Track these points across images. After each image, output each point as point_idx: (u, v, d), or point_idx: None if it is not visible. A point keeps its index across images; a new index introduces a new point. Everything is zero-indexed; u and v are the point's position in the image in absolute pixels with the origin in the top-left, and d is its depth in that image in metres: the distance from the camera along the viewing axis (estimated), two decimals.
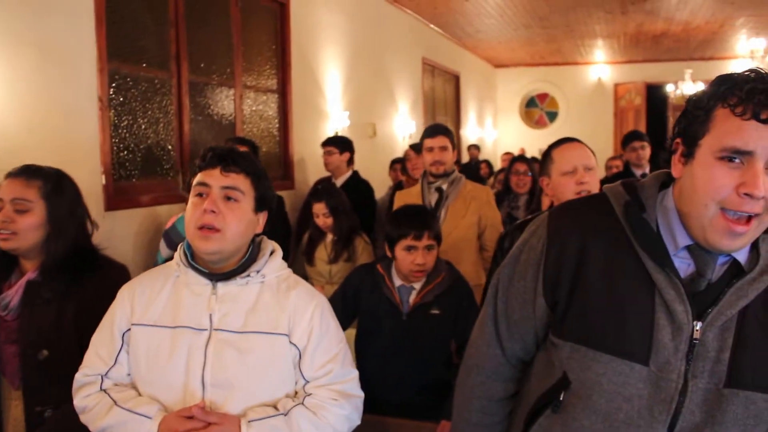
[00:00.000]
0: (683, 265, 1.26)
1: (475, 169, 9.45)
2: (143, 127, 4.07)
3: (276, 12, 5.69)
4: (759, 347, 1.21)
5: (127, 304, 1.71)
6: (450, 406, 1.70)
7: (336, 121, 6.57)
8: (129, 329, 1.69)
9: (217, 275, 1.68)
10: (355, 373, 1.78)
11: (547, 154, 2.45)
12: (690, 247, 1.24)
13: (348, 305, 2.73)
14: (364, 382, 1.82)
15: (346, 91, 6.90)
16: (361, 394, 1.78)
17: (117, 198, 3.72)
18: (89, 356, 1.73)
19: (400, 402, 2.55)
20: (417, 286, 2.64)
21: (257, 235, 1.77)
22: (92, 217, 2.21)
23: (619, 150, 12.91)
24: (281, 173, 5.75)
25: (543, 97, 14.70)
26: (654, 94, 14.14)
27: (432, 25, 9.91)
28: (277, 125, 5.70)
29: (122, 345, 1.70)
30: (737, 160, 1.14)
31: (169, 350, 1.64)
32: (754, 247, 1.24)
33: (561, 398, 1.33)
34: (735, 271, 1.24)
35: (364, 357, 2.68)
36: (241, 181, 1.67)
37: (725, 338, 1.21)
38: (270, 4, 5.57)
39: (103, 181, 3.60)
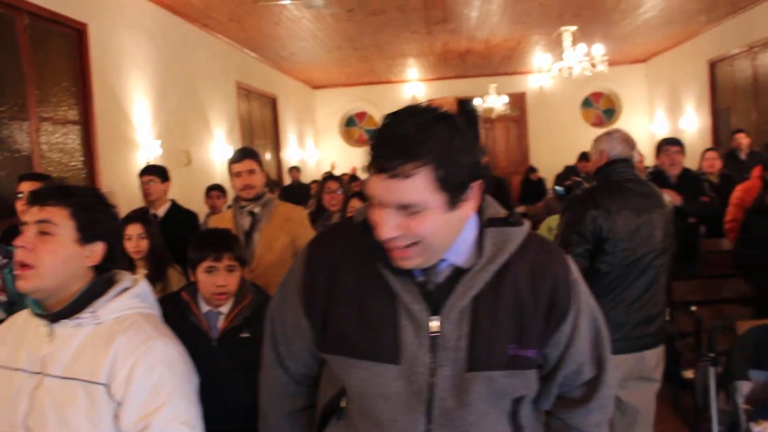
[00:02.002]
0: (419, 273, 1.37)
1: (297, 190, 9.47)
2: None
3: (72, 37, 5.41)
4: (490, 330, 1.34)
5: None
6: None
7: (147, 150, 6.34)
8: None
9: (52, 315, 1.58)
10: (183, 430, 1.59)
11: None
12: None
13: None
14: None
15: (157, 118, 6.68)
16: None
17: None
18: None
19: (230, 430, 2.49)
20: (225, 310, 2.57)
21: (105, 269, 1.67)
22: None
23: None
24: None
25: (361, 115, 15.08)
26: (464, 108, 14.93)
27: (245, 49, 9.86)
28: (81, 158, 5.40)
29: None
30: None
31: (4, 393, 1.54)
32: (480, 242, 1.37)
33: (342, 406, 1.44)
34: (459, 269, 1.37)
35: None
36: (55, 213, 1.59)
37: (461, 327, 1.34)
38: (65, 29, 5.28)
39: None
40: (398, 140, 1.22)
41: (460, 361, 1.33)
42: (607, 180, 3.05)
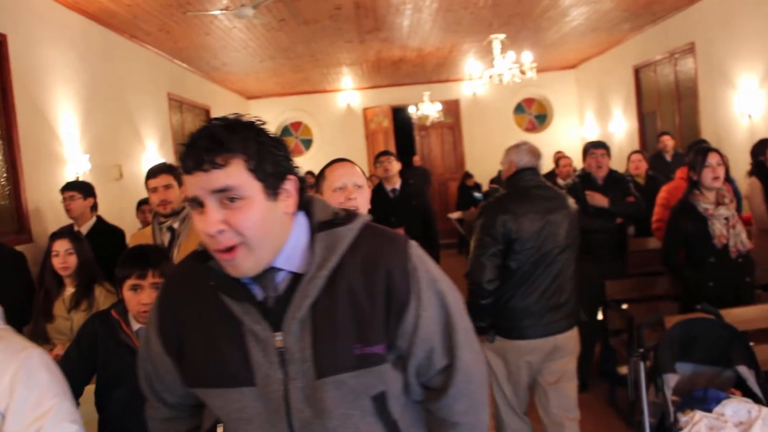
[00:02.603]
0: (258, 290, 1.40)
1: None
2: None
3: None
4: (332, 334, 1.36)
5: None
6: None
7: (76, 165, 6.16)
8: None
9: None
10: (73, 428, 1.68)
11: (321, 173, 2.57)
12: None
13: (85, 358, 2.55)
14: None
15: (86, 132, 6.51)
16: None
17: None
18: None
19: None
20: None
21: None
22: None
23: (372, 170, 13.53)
24: (15, 227, 5.26)
25: (297, 125, 15.01)
26: (400, 116, 15.05)
27: (176, 60, 9.70)
28: (4, 174, 5.22)
29: None
30: (199, 207, 1.32)
31: None
32: (312, 248, 1.41)
33: None
34: (298, 278, 1.40)
35: (108, 410, 2.51)
36: None
37: (304, 338, 1.36)
38: None
39: None
40: (208, 138, 1.30)
41: (308, 371, 1.35)
42: (516, 187, 3.45)
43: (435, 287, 1.44)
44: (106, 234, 4.78)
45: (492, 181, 9.52)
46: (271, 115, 14.72)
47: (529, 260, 3.31)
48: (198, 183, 1.30)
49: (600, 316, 5.08)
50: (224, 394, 1.39)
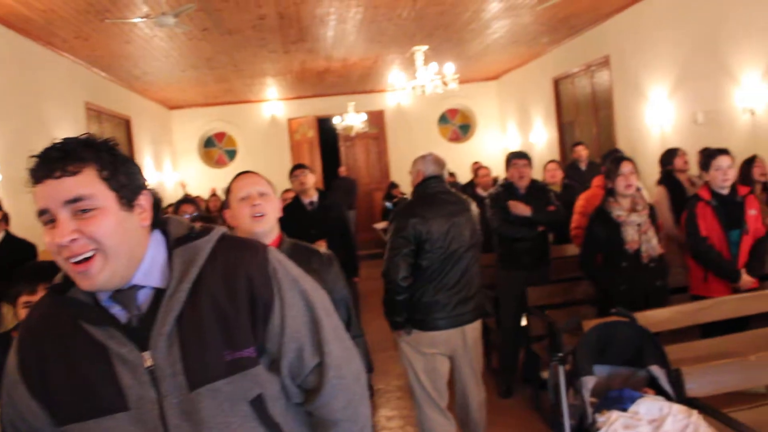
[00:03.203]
0: (121, 312, 1.39)
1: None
2: None
3: None
4: (200, 345, 1.38)
5: None
6: None
7: None
8: None
9: None
10: None
11: (228, 188, 2.59)
12: (111, 295, 1.39)
13: None
14: None
15: None
16: None
17: None
18: None
19: None
20: None
21: None
22: None
23: None
24: None
25: (220, 136, 14.80)
26: (324, 126, 15.04)
27: (94, 69, 9.44)
28: None
29: None
30: (49, 223, 1.30)
31: None
32: (171, 264, 1.42)
33: None
34: (160, 294, 1.40)
35: None
36: None
37: (173, 352, 1.36)
38: None
39: None
40: (60, 149, 1.30)
41: (181, 384, 1.35)
42: (424, 193, 3.81)
43: (297, 287, 1.49)
44: (16, 248, 4.62)
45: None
46: (195, 126, 14.49)
47: (438, 258, 3.68)
48: (48, 193, 1.27)
49: (524, 323, 5.20)
50: (99, 424, 1.35)
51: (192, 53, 9.11)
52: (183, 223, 1.49)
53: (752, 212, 4.27)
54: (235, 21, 7.59)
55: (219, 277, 1.40)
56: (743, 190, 4.35)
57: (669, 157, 5.82)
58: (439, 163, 3.88)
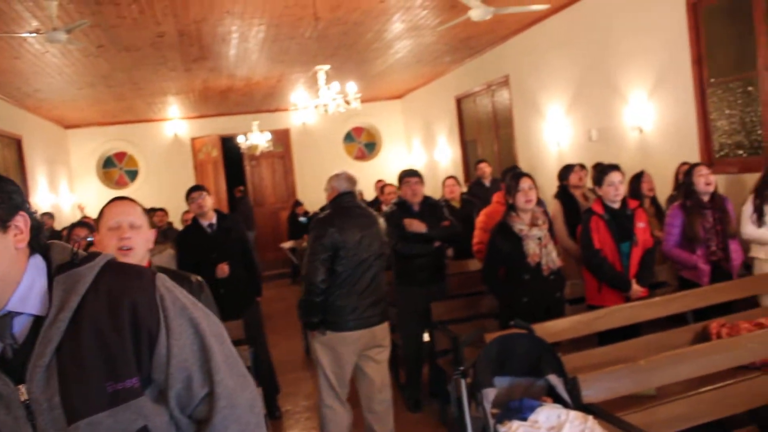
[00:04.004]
0: None
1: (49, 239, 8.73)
2: None
3: None
4: (80, 376, 1.33)
5: None
6: None
7: None
8: None
9: None
10: None
11: (100, 212, 2.47)
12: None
13: None
14: None
15: None
16: None
17: None
18: None
19: None
20: None
21: None
22: None
23: None
24: None
25: (121, 156, 14.33)
26: (229, 146, 14.83)
27: None
28: None
29: None
30: None
31: None
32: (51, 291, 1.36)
33: None
34: (38, 324, 1.35)
35: None
36: None
37: (51, 385, 1.30)
38: None
39: None
40: None
41: (59, 419, 1.30)
42: (339, 207, 4.19)
43: (186, 315, 1.44)
44: None
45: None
46: (93, 145, 14.00)
47: (351, 265, 4.07)
48: None
49: (426, 338, 5.26)
50: None
51: (88, 70, 8.81)
52: (66, 249, 1.43)
53: (641, 225, 4.48)
54: (133, 38, 7.40)
55: (102, 305, 1.35)
56: (633, 203, 4.56)
57: (566, 172, 6.04)
58: (351, 180, 4.28)
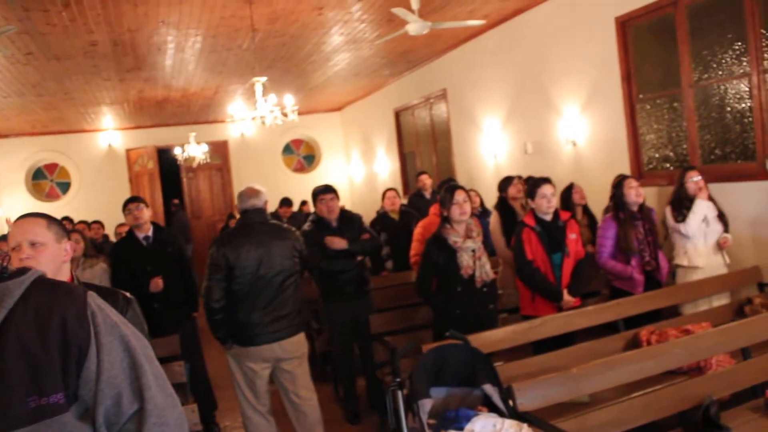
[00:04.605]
0: None
1: None
2: None
3: None
4: (2, 390, 1.31)
5: None
6: None
7: None
8: None
9: None
10: None
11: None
12: None
13: None
14: None
15: None
16: None
17: None
18: None
19: None
20: None
21: None
22: None
23: None
24: None
25: (52, 167, 13.81)
26: (165, 157, 14.56)
27: None
28: None
29: None
30: None
31: None
32: None
33: None
34: None
35: None
36: None
37: None
38: None
39: None
40: None
41: None
42: (243, 223, 4.31)
43: (117, 333, 1.44)
44: None
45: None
46: (22, 156, 13.52)
47: (248, 282, 4.15)
48: None
49: (356, 351, 5.32)
50: None
51: (15, 78, 8.54)
52: None
53: (572, 236, 4.59)
54: (64, 46, 7.21)
55: (30, 320, 1.34)
56: (565, 215, 4.67)
57: (505, 184, 6.14)
58: (255, 194, 4.35)
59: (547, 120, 7.68)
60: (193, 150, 12.74)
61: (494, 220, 5.88)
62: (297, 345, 4.37)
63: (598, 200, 6.21)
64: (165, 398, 1.48)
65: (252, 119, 7.56)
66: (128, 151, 14.15)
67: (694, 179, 5.00)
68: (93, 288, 2.36)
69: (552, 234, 4.53)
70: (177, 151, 13.44)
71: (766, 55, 5.14)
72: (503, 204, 6.01)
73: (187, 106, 12.14)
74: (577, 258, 4.60)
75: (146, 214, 5.18)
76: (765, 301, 4.89)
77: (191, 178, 14.86)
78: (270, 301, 4.20)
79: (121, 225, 7.18)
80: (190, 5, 6.30)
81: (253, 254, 4.16)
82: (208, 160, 13.76)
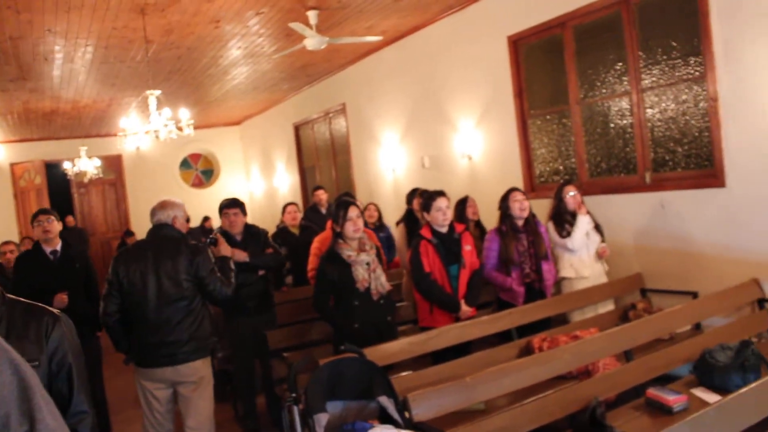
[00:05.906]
0: None
1: None
2: None
3: None
4: None
5: None
6: None
7: None
8: None
9: None
10: None
11: None
12: None
13: None
14: None
15: None
16: None
17: None
18: None
19: None
20: None
21: None
22: None
23: (24, 231, 12.30)
24: None
25: None
26: (54, 172, 13.92)
27: None
28: None
29: None
30: None
31: None
32: None
33: None
34: None
35: None
36: None
37: None
38: None
39: None
40: None
41: None
42: (144, 239, 4.23)
43: (6, 356, 1.40)
44: None
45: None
46: None
47: (136, 302, 3.99)
48: None
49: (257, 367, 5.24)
50: None
51: None
52: None
53: (468, 248, 4.69)
54: None
55: None
56: (459, 227, 4.77)
57: (410, 196, 6.22)
58: (161, 208, 4.20)
59: (444, 134, 7.84)
60: (84, 164, 12.25)
61: (400, 232, 5.95)
62: (193, 370, 4.09)
63: (492, 212, 6.37)
64: (55, 421, 1.43)
65: (146, 133, 7.36)
66: (12, 165, 13.45)
67: (570, 194, 5.22)
68: (19, 304, 2.21)
69: (448, 246, 4.61)
70: (67, 166, 12.88)
71: (643, 75, 5.45)
72: (410, 216, 6.07)
73: (78, 118, 11.69)
74: (473, 269, 4.71)
75: (56, 227, 4.98)
76: (647, 306, 5.17)
77: (83, 194, 14.28)
78: (162, 325, 3.97)
79: (5, 243, 6.79)
80: (79, 14, 6.08)
81: (140, 274, 3.98)
82: (101, 175, 13.26)
